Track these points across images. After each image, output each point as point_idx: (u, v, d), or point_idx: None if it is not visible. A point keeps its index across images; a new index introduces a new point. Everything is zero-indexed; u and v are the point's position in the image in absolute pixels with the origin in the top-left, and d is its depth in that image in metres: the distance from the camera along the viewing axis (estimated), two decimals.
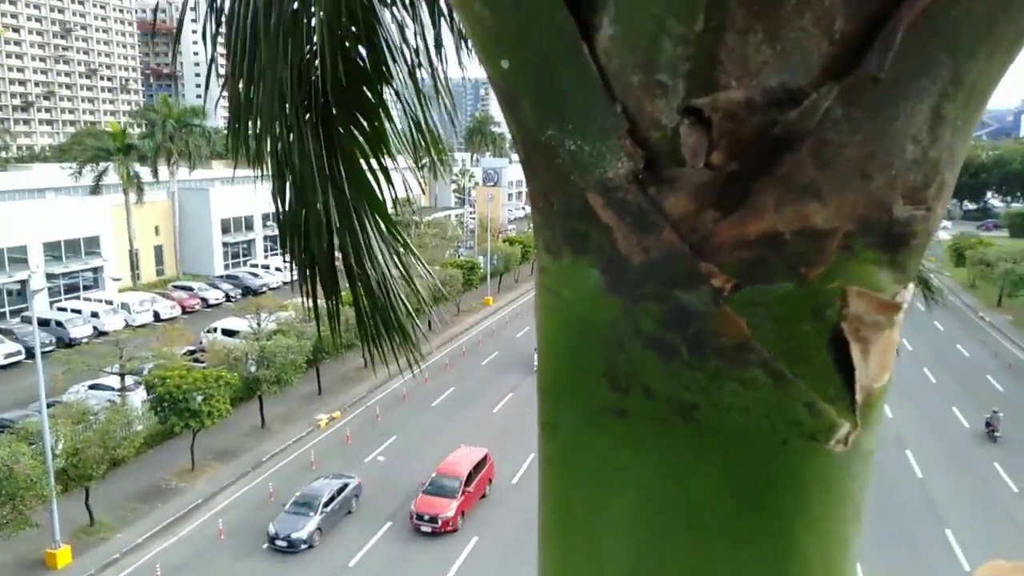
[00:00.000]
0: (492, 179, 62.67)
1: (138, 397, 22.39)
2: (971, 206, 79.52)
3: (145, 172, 40.64)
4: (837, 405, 0.91)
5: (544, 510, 1.10)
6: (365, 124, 2.76)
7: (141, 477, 20.56)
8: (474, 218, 49.22)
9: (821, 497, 0.94)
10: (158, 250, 44.45)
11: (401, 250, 3.11)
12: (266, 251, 47.63)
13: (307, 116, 2.58)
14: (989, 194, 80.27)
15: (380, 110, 2.75)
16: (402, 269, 3.07)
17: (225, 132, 2.80)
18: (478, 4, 0.92)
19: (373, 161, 2.83)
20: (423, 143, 2.97)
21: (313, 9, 2.45)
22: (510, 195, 67.61)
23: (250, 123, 2.66)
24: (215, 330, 29.47)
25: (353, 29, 2.49)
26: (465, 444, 21.17)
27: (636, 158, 0.87)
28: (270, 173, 2.75)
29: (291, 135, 2.58)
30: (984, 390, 27.39)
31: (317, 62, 2.48)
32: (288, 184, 2.74)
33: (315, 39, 2.45)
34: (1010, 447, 22.69)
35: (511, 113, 0.98)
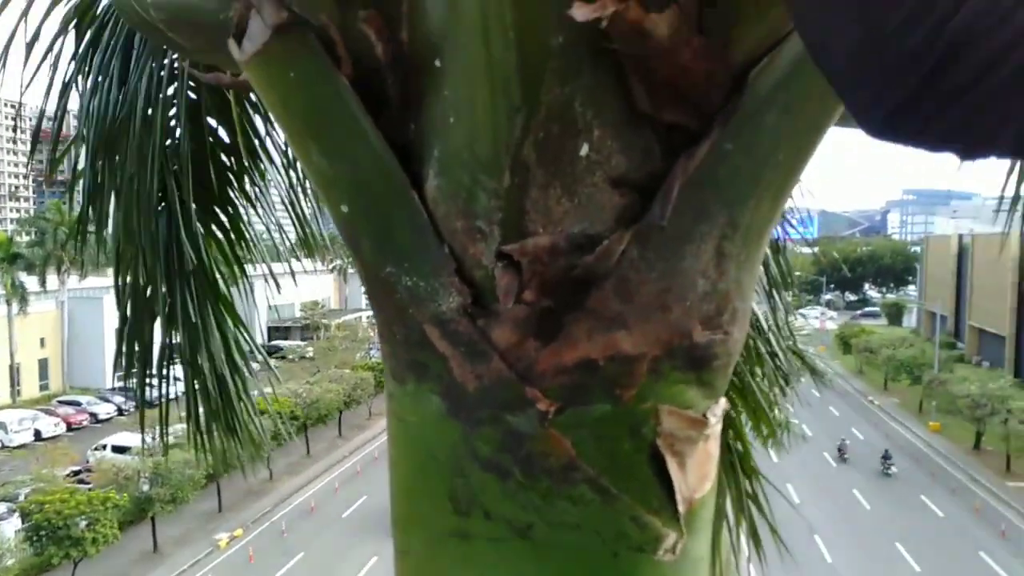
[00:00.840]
0: None
1: (11, 527, 20.32)
2: (852, 297, 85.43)
3: (32, 281, 38.53)
4: (661, 516, 0.98)
5: None
6: (224, 220, 2.76)
7: None
8: None
9: None
10: (43, 363, 41.56)
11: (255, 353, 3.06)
12: None
13: (161, 206, 2.55)
14: (866, 286, 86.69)
15: (238, 206, 2.77)
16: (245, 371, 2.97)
17: None
18: (315, 155, 1.00)
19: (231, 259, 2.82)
20: (305, 245, 3.00)
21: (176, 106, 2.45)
22: None
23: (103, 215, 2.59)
24: (104, 447, 27.43)
25: (218, 127, 2.53)
26: (377, 557, 20.16)
27: (464, 294, 0.95)
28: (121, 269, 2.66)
29: (141, 224, 2.50)
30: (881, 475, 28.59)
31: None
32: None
33: (178, 134, 2.46)
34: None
35: (354, 252, 1.05)
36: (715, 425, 1.03)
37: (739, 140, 0.91)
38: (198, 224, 2.64)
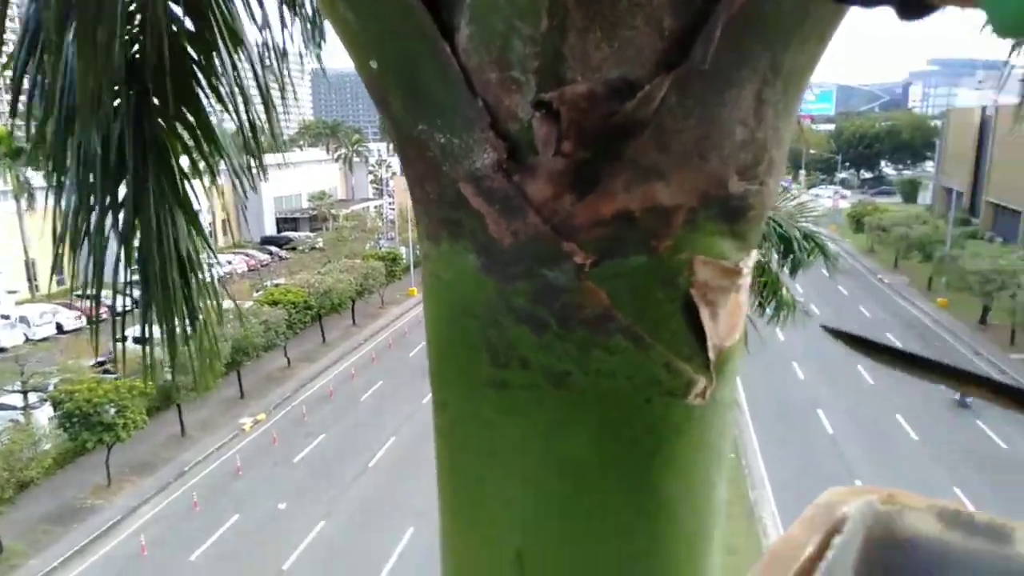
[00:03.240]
0: None
1: (44, 415, 21.24)
2: (867, 175, 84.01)
3: (38, 177, 38.30)
4: (693, 363, 1.02)
5: (441, 481, 1.17)
6: (190, 117, 2.61)
7: (53, 498, 19.55)
8: (393, 208, 48.63)
9: (684, 447, 1.05)
10: (58, 258, 41.95)
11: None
12: None
13: (116, 102, 2.40)
14: (883, 163, 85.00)
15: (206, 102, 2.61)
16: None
17: None
18: (342, 6, 0.97)
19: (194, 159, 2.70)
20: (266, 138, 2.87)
21: None
22: None
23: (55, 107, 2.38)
24: (125, 339, 28.16)
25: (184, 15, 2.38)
26: (395, 437, 21.09)
27: (499, 149, 0.94)
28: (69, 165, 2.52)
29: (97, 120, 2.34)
30: None
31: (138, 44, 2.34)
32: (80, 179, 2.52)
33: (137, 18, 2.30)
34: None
35: (383, 110, 1.04)
36: (747, 276, 1.04)
37: None
38: (160, 121, 2.52)
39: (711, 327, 1.01)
